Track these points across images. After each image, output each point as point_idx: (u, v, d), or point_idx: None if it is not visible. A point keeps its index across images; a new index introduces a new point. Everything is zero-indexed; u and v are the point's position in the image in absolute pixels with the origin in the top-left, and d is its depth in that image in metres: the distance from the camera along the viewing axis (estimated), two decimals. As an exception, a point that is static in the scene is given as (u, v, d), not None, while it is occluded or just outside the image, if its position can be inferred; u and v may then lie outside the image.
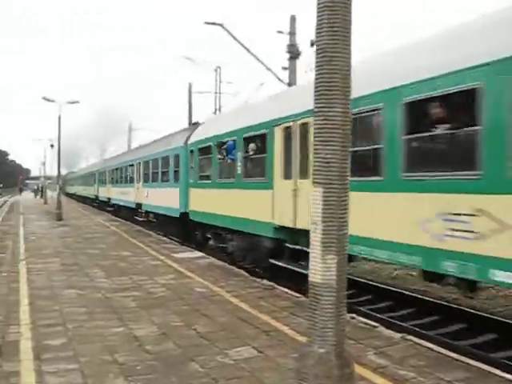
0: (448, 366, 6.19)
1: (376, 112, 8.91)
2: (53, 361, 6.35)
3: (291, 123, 11.80)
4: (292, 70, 22.58)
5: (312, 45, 20.08)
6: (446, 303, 11.07)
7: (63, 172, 37.66)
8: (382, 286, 13.19)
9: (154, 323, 8.04)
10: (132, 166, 30.57)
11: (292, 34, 22.47)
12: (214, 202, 16.57)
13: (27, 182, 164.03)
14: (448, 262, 7.45)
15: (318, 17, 3.47)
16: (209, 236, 17.48)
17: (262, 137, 13.31)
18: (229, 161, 15.22)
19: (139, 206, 27.92)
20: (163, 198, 22.53)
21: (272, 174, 12.61)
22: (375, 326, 8.00)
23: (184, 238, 20.47)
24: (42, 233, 23.10)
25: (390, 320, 9.96)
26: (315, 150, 3.56)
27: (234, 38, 22.81)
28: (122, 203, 33.64)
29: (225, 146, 15.41)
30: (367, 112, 9.08)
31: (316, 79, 3.53)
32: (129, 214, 31.35)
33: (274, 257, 12.74)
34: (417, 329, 9.33)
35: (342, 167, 3.47)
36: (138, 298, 9.80)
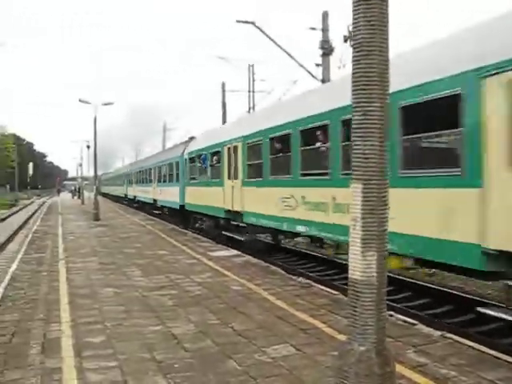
0: (489, 365, 6.06)
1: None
2: (93, 358, 6.43)
3: (229, 145, 18.42)
4: (325, 67, 22.47)
5: (345, 40, 19.95)
6: (486, 301, 10.87)
7: (99, 173, 38.26)
8: (420, 282, 13.03)
9: (191, 321, 8.07)
10: (150, 169, 37.64)
11: (325, 30, 22.36)
12: (196, 196, 23.66)
13: (65, 182, 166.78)
14: (284, 223, 13.94)
15: (354, 11, 3.43)
16: (195, 220, 24.60)
17: (218, 152, 20.00)
18: (203, 167, 22.13)
19: (155, 201, 35.02)
20: (169, 195, 29.59)
21: (223, 177, 19.10)
22: (414, 324, 7.89)
23: (184, 224, 26.61)
24: (80, 232, 23.45)
25: (428, 317, 9.82)
26: (354, 145, 3.53)
27: (267, 36, 22.82)
28: (144, 200, 40.52)
29: (201, 157, 22.27)
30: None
31: (353, 74, 3.49)
32: (150, 208, 37.82)
33: (226, 230, 19.31)
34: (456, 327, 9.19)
35: (381, 162, 3.43)
36: (174, 296, 9.86)
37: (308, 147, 12.72)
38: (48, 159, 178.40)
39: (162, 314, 8.50)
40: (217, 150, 20.06)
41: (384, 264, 3.52)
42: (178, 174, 27.66)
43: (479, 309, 8.60)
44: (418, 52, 9.67)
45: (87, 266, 13.63)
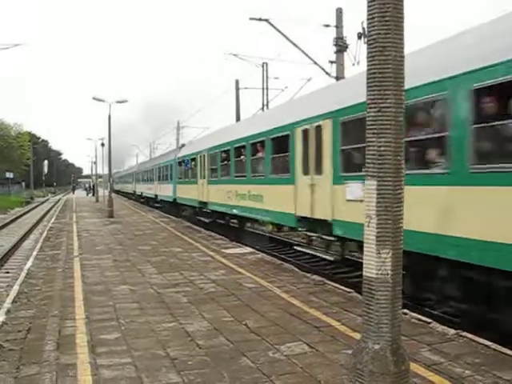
0: (507, 365, 5.99)
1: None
2: (107, 354, 6.46)
3: (200, 154, 24.80)
4: (339, 64, 22.38)
5: (359, 37, 19.85)
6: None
7: (113, 170, 38.69)
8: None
9: (205, 318, 8.08)
10: (152, 170, 43.93)
11: (338, 26, 22.25)
12: (182, 191, 30.04)
13: (79, 180, 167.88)
14: (227, 208, 19.98)
15: (368, 6, 3.40)
16: (183, 210, 30.84)
17: (194, 159, 26.47)
18: (186, 169, 28.60)
19: (156, 196, 41.33)
20: (166, 190, 36.15)
21: (197, 177, 25.30)
22: (428, 322, 7.84)
23: (176, 214, 32.55)
24: (95, 230, 23.58)
25: (443, 316, 9.75)
26: (368, 142, 3.50)
27: (281, 33, 22.73)
28: (148, 195, 46.84)
29: (185, 162, 28.91)
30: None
31: (368, 70, 3.46)
32: (153, 202, 44.02)
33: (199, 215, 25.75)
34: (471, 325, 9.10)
35: (396, 159, 3.40)
36: (188, 293, 9.88)
37: (237, 159, 19.08)
38: (63, 157, 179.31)
39: (176, 311, 8.52)
40: (193, 157, 26.92)
41: (399, 262, 3.49)
42: (171, 174, 33.92)
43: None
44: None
45: (102, 263, 13.70)
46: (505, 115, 6.76)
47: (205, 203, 24.02)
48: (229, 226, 22.67)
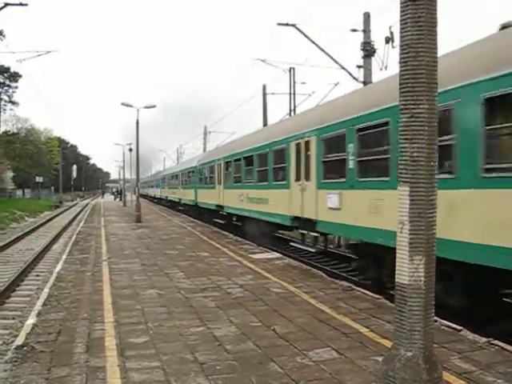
0: (542, 374, 5.88)
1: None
2: (136, 358, 6.51)
3: (217, 162, 27.16)
4: (367, 68, 22.27)
5: (387, 41, 19.74)
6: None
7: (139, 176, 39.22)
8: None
9: (233, 323, 8.09)
10: (177, 175, 46.40)
11: (366, 31, 22.15)
12: (202, 196, 32.47)
13: (107, 185, 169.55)
14: (239, 210, 22.35)
15: (401, 12, 3.39)
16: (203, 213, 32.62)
17: (212, 167, 28.86)
18: (205, 176, 31.38)
19: (180, 200, 43.78)
20: (189, 195, 38.07)
21: (215, 183, 27.52)
22: (459, 330, 7.74)
23: (196, 216, 34.94)
24: (123, 234, 23.79)
25: (474, 323, 9.61)
26: (401, 148, 3.48)
27: (308, 38, 22.70)
28: (172, 199, 49.84)
29: (204, 169, 31.43)
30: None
31: (401, 76, 3.45)
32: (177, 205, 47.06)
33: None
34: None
35: (429, 165, 3.38)
36: (216, 298, 9.90)
37: (247, 167, 21.23)
38: (91, 162, 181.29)
39: (204, 316, 8.54)
40: (211, 164, 29.30)
41: (432, 268, 3.46)
42: (192, 180, 36.67)
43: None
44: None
45: (130, 267, 13.81)
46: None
47: (221, 207, 26.38)
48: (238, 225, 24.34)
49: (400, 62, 3.44)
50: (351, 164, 11.75)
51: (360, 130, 11.32)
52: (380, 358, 6.13)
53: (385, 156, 10.37)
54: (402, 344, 3.51)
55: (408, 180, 3.42)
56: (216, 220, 27.93)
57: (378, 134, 10.68)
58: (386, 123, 10.17)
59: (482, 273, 7.77)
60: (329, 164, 13.19)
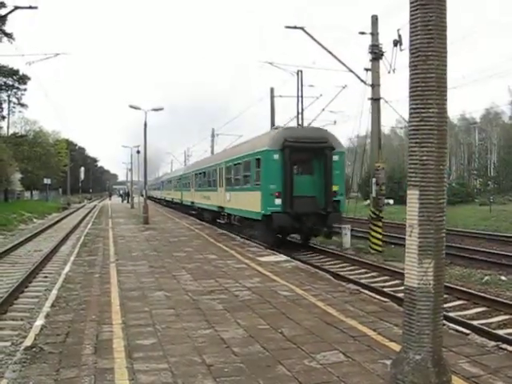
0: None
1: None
2: (144, 360, 6.53)
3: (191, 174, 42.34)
4: (375, 71, 22.25)
5: (395, 44, 19.75)
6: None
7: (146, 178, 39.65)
8: (472, 291, 12.76)
9: (241, 326, 8.10)
10: (170, 180, 58.56)
11: (374, 34, 22.14)
12: (184, 196, 45.64)
13: (114, 187, 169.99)
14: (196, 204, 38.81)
15: (411, 16, 3.39)
16: (201, 213, 37.12)
17: (178, 179, 50.32)
18: (194, 182, 39.47)
19: (181, 201, 49.26)
20: (177, 196, 50.39)
21: (216, 186, 30.49)
22: (467, 334, 7.73)
23: (183, 211, 44.75)
24: (130, 236, 23.85)
25: (482, 327, 9.60)
26: (410, 151, 3.49)
27: (316, 41, 22.69)
28: (176, 201, 54.84)
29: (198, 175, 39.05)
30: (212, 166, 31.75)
31: (410, 80, 3.45)
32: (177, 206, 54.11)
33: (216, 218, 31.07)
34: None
35: (438, 169, 3.38)
36: (224, 300, 9.91)
37: (195, 180, 38.52)
38: (98, 164, 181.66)
39: (212, 318, 8.55)
40: (188, 175, 43.29)
41: (442, 272, 3.46)
42: (178, 185, 49.87)
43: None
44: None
45: (137, 269, 13.84)
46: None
47: (193, 203, 40.39)
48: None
49: (410, 66, 3.44)
50: (232, 179, 25.48)
51: (229, 164, 26.19)
52: (388, 361, 6.13)
53: (244, 175, 23.39)
54: (411, 347, 3.51)
55: (417, 183, 3.42)
56: (192, 212, 41.07)
57: (238, 166, 23.99)
58: (239, 164, 24.29)
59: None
60: (226, 178, 26.80)
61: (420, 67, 3.38)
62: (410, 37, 3.41)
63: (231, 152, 28.78)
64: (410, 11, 3.40)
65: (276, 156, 19.77)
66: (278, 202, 19.60)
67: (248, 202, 22.09)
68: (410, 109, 3.51)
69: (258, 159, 21.06)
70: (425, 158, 3.39)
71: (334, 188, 20.24)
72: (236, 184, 25.03)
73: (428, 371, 3.42)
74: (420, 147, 3.42)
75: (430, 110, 3.36)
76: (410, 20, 3.41)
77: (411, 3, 3.39)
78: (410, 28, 3.41)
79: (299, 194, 19.55)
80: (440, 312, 3.50)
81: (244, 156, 23.50)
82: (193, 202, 40.03)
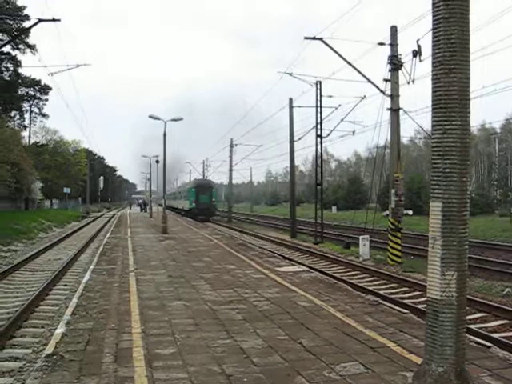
0: None
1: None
2: (164, 369, 6.56)
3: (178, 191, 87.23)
4: (394, 82, 22.22)
5: (415, 55, 19.68)
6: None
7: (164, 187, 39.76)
8: (493, 303, 12.65)
9: (260, 336, 8.09)
10: (180, 192, 79.86)
11: (393, 44, 22.13)
12: (177, 204, 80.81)
13: (133, 196, 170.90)
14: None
15: (434, 29, 3.40)
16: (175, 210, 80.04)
17: (174, 193, 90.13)
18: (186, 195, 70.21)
19: (183, 208, 68.74)
20: (184, 205, 67.97)
21: (180, 199, 77.74)
22: (488, 346, 7.65)
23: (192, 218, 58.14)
24: (149, 245, 23.96)
25: (504, 340, 9.50)
26: (433, 163, 3.49)
27: (335, 52, 22.82)
28: (181, 207, 73.04)
29: (186, 191, 70.73)
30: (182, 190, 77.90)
31: (433, 92, 3.46)
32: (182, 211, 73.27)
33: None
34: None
35: (461, 181, 3.38)
36: (243, 310, 9.91)
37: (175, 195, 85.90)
38: (117, 173, 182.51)
39: (231, 328, 8.56)
40: (174, 192, 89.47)
41: (464, 284, 3.45)
42: (187, 196, 65.84)
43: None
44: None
45: (156, 278, 13.89)
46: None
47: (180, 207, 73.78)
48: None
49: (432, 79, 3.45)
50: (182, 196, 73.22)
51: (181, 190, 79.88)
52: (408, 374, 6.11)
53: (185, 195, 70.14)
54: (434, 359, 3.49)
55: (440, 196, 3.42)
56: (178, 212, 70.83)
57: (184, 191, 73.05)
58: (184, 191, 73.85)
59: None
60: (181, 196, 76.13)
61: (443, 80, 3.39)
62: (433, 50, 3.42)
63: (183, 186, 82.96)
64: (433, 24, 3.41)
65: (193, 189, 61.01)
66: (194, 204, 59.27)
67: (185, 204, 64.68)
68: (433, 121, 3.51)
69: (188, 190, 64.11)
70: (448, 170, 3.39)
71: (213, 200, 61.41)
72: (183, 198, 68.85)
73: (451, 383, 3.40)
74: (443, 160, 3.42)
75: (453, 123, 3.37)
76: (433, 33, 3.42)
77: (434, 16, 3.40)
78: (433, 41, 3.42)
79: (201, 201, 59.17)
80: (463, 324, 3.49)
81: (185, 189, 70.03)
82: (175, 206, 79.20)
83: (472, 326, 10.49)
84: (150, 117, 33.08)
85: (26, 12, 55.45)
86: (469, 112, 3.45)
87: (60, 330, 8.54)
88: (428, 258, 3.57)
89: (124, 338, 8.02)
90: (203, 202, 59.18)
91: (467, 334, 8.10)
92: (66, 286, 15.72)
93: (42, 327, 10.67)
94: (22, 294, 14.45)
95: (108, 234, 31.97)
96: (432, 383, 3.44)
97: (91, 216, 72.29)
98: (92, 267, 16.21)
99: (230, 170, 65.40)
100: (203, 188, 61.00)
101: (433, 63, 3.45)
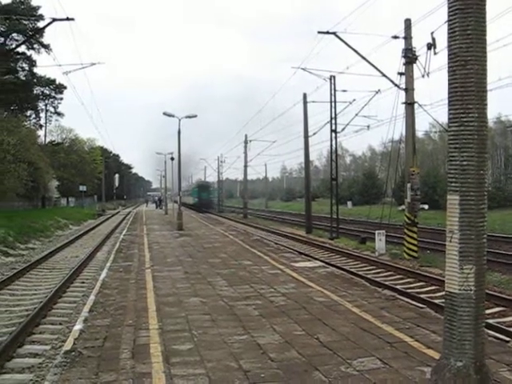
0: None
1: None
2: (181, 365, 6.57)
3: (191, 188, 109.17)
4: (408, 76, 22.07)
5: (429, 48, 19.54)
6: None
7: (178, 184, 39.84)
8: (511, 298, 12.55)
9: (277, 331, 8.08)
10: (188, 191, 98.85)
11: (407, 38, 21.98)
12: (188, 200, 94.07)
13: (148, 193, 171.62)
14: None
15: (449, 20, 3.36)
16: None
17: (187, 190, 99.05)
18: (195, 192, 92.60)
19: (194, 203, 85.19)
20: (190, 200, 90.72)
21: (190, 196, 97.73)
22: (507, 341, 7.59)
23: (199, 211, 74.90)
24: (165, 242, 24.04)
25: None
26: (450, 157, 3.46)
27: (349, 46, 22.73)
28: (188, 202, 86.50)
29: (195, 189, 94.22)
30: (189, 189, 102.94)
31: (449, 84, 3.42)
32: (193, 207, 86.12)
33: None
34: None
35: (478, 174, 3.34)
36: (259, 306, 9.90)
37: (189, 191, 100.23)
38: (133, 171, 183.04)
39: (248, 324, 8.56)
40: (189, 191, 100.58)
41: (483, 277, 3.42)
42: (192, 193, 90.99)
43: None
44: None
45: (173, 275, 13.93)
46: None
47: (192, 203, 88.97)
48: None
49: (448, 71, 3.41)
50: (191, 193, 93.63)
51: (191, 189, 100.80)
52: (426, 369, 6.08)
53: (192, 192, 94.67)
54: (452, 354, 3.46)
55: (458, 189, 3.39)
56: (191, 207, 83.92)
57: (191, 190, 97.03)
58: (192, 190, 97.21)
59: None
60: (190, 193, 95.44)
61: (459, 72, 3.36)
62: (448, 41, 3.39)
63: (189, 186, 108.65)
64: (448, 16, 3.37)
65: (196, 189, 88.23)
66: (197, 199, 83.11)
67: (191, 200, 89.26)
68: (449, 114, 3.48)
69: (193, 189, 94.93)
70: (465, 163, 3.36)
71: (211, 196, 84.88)
72: (189, 195, 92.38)
73: (470, 378, 3.37)
74: (460, 152, 3.39)
75: (470, 115, 3.33)
76: (448, 25, 3.38)
77: (449, 8, 3.37)
78: (448, 33, 3.38)
79: (202, 197, 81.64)
80: (482, 318, 3.46)
81: (193, 188, 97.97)
82: (184, 202, 74.76)
83: (490, 321, 10.42)
84: (165, 114, 33.15)
85: (40, 12, 55.89)
86: (486, 104, 3.41)
87: (78, 326, 8.60)
88: (446, 252, 3.54)
89: (141, 334, 8.06)
90: (203, 198, 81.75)
91: (485, 329, 8.08)
92: (83, 283, 15.84)
93: (60, 324, 10.77)
94: (41, 291, 14.60)
95: (124, 232, 32.13)
96: (451, 378, 3.41)
97: (107, 214, 72.79)
98: (108, 264, 16.31)
99: (245, 166, 65.54)
100: (203, 188, 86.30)
101: (449, 55, 3.42)
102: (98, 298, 10.87)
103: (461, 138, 3.38)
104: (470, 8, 3.28)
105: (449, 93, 3.45)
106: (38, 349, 9.05)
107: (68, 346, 7.48)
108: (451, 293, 3.46)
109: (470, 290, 3.37)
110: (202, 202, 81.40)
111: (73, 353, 7.09)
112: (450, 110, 3.46)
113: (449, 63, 3.42)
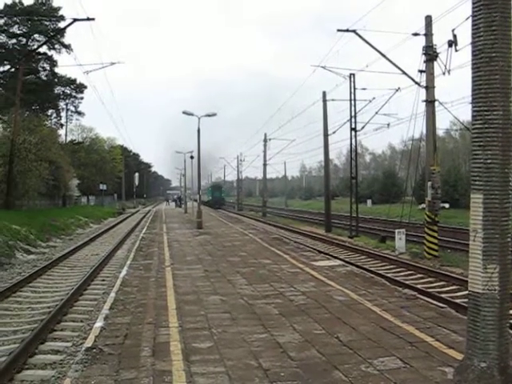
0: None
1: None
2: (201, 363, 6.59)
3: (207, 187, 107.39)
4: (429, 73, 21.89)
5: (450, 45, 19.36)
6: None
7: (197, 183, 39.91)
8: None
9: (297, 330, 8.06)
10: (203, 190, 73.08)
11: (428, 35, 21.80)
12: (205, 197, 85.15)
13: (168, 192, 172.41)
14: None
15: (473, 16, 3.32)
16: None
17: (204, 189, 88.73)
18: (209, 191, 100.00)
19: (208, 200, 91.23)
20: (205, 198, 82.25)
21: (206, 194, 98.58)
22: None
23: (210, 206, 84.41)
24: (185, 240, 24.13)
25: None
26: (474, 155, 3.41)
27: (369, 44, 22.63)
28: (203, 200, 72.02)
29: (209, 189, 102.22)
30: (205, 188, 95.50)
31: (473, 81, 3.38)
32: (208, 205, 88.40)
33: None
34: None
35: (503, 172, 3.30)
36: (279, 305, 9.89)
37: (205, 191, 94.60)
38: (152, 169, 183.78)
39: (267, 323, 8.55)
40: (206, 190, 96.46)
41: (507, 277, 3.37)
42: (206, 193, 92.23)
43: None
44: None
45: (192, 273, 13.97)
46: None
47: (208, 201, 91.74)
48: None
49: (472, 68, 3.37)
50: (206, 192, 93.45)
51: (206, 189, 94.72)
52: (447, 369, 6.02)
53: (206, 192, 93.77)
54: (476, 354, 3.42)
55: (481, 188, 3.35)
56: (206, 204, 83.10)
57: (207, 189, 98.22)
58: (207, 189, 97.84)
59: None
60: (205, 192, 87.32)
61: (483, 69, 3.31)
62: (472, 38, 3.34)
63: (207, 186, 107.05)
64: (472, 11, 3.33)
65: (209, 189, 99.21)
66: (210, 198, 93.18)
67: (205, 198, 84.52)
68: (473, 111, 3.43)
69: (207, 189, 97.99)
70: (489, 161, 3.32)
71: (222, 195, 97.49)
72: (204, 194, 74.84)
73: (494, 379, 3.33)
74: (484, 150, 3.34)
75: (495, 113, 3.29)
76: (473, 20, 3.34)
77: (473, 3, 3.32)
78: (472, 29, 3.33)
79: (214, 196, 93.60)
80: (506, 318, 3.42)
81: (207, 187, 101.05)
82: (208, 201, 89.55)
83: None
84: (184, 113, 33.23)
85: (61, 13, 56.26)
86: (511, 101, 3.36)
87: (99, 323, 8.67)
88: (469, 251, 3.49)
89: (161, 332, 8.09)
90: (216, 197, 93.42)
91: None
92: (103, 280, 15.95)
93: (81, 321, 10.86)
94: (62, 288, 14.73)
95: (144, 230, 32.28)
96: (474, 379, 3.37)
97: (127, 212, 73.26)
98: (129, 262, 16.41)
99: (264, 165, 65.58)
100: (216, 188, 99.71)
101: (473, 52, 3.37)
102: (119, 295, 10.94)
103: (485, 135, 3.34)
104: (494, 3, 3.23)
105: (472, 90, 3.41)
106: (59, 345, 9.14)
107: (89, 343, 7.54)
108: (475, 292, 3.41)
109: (494, 290, 3.33)
110: (214, 200, 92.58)
111: (94, 350, 7.14)
112: (473, 107, 3.42)
113: (473, 60, 3.37)
